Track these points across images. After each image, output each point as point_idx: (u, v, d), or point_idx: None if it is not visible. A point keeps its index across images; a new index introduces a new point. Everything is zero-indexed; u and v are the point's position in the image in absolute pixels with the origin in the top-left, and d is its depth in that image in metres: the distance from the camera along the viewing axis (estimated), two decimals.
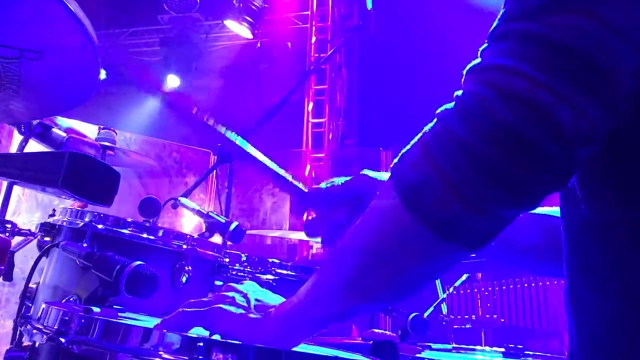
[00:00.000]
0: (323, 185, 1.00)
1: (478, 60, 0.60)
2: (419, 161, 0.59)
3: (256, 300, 0.78)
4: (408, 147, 0.63)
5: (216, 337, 0.74)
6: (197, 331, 0.76)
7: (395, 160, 0.64)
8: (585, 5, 0.53)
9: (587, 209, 0.63)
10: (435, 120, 0.60)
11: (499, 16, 0.59)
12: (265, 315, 0.75)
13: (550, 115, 0.52)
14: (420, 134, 0.62)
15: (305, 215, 0.99)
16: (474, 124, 0.55)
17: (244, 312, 0.76)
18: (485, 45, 0.60)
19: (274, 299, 0.80)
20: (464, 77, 0.60)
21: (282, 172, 1.01)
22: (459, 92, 0.59)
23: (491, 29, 0.60)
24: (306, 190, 1.01)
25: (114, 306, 1.07)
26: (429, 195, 0.58)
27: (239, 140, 0.99)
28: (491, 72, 0.56)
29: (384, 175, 0.98)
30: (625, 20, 0.53)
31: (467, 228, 0.58)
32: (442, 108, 0.60)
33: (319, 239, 1.00)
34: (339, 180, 1.00)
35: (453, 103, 0.59)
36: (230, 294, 0.79)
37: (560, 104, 0.52)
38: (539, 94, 0.52)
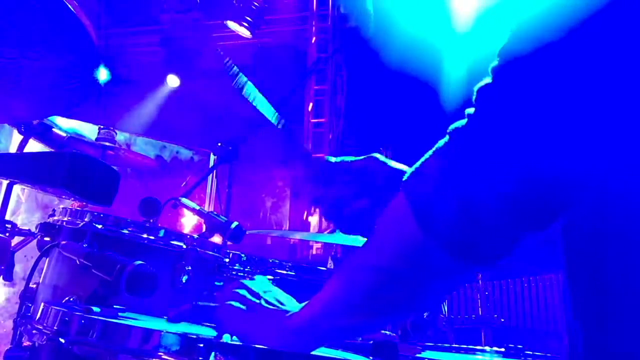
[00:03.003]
0: (333, 159, 1.00)
1: (489, 78, 0.59)
2: (433, 182, 0.59)
3: (267, 301, 0.78)
4: (420, 164, 0.62)
5: (226, 337, 0.74)
6: (207, 332, 0.76)
7: (407, 177, 0.63)
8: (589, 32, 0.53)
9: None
10: (447, 137, 0.60)
11: (510, 32, 0.59)
12: (276, 322, 0.75)
13: (563, 140, 0.53)
14: (431, 151, 0.61)
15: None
16: (488, 147, 0.55)
17: (254, 312, 0.76)
18: (496, 62, 0.59)
19: (284, 298, 0.80)
20: (475, 94, 0.60)
21: (295, 138, 1.00)
22: (471, 110, 0.59)
23: (502, 45, 0.59)
24: (316, 159, 0.99)
25: (115, 306, 1.07)
26: (443, 216, 0.58)
27: (256, 101, 0.98)
28: (504, 93, 0.56)
29: (393, 163, 0.98)
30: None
31: (480, 248, 0.59)
32: (454, 125, 0.60)
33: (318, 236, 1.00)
34: (349, 159, 1.01)
35: (465, 121, 0.59)
36: (241, 291, 0.79)
37: (573, 129, 0.53)
38: (553, 117, 0.53)
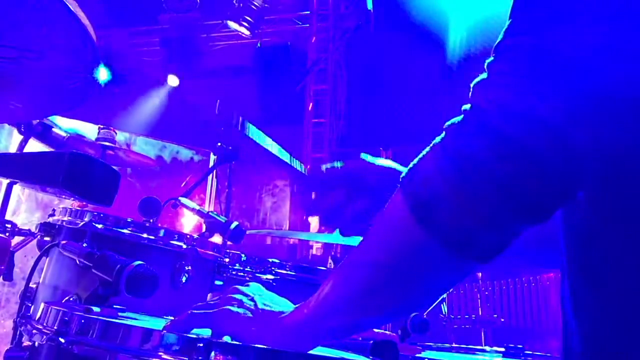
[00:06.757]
0: (323, 167, 1.02)
1: (485, 74, 0.60)
2: (430, 176, 0.59)
3: (263, 303, 0.78)
4: (417, 160, 0.63)
5: (227, 338, 0.74)
6: (205, 333, 0.76)
7: (404, 174, 0.64)
8: (588, 20, 0.53)
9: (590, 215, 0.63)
10: (443, 134, 0.61)
11: (504, 28, 0.59)
12: (274, 322, 0.75)
13: (561, 131, 0.53)
14: (428, 148, 0.62)
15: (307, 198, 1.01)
16: (485, 141, 0.55)
17: (251, 315, 0.76)
18: (492, 58, 0.60)
19: (279, 301, 0.80)
20: (471, 90, 0.60)
21: (284, 156, 1.03)
22: (467, 106, 0.59)
23: (497, 41, 0.59)
24: (306, 173, 1.02)
25: (115, 306, 1.07)
26: (441, 210, 0.58)
27: (250, 130, 1.01)
28: (500, 88, 0.56)
29: (381, 161, 1.00)
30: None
31: (479, 242, 0.59)
32: (450, 122, 0.60)
33: (320, 233, 1.02)
34: (338, 164, 1.02)
35: (461, 117, 0.60)
36: (237, 296, 0.79)
37: (571, 120, 0.53)
38: (549, 111, 0.53)
